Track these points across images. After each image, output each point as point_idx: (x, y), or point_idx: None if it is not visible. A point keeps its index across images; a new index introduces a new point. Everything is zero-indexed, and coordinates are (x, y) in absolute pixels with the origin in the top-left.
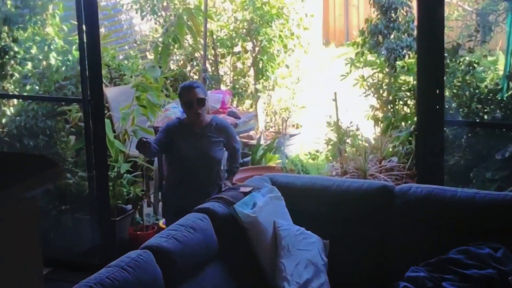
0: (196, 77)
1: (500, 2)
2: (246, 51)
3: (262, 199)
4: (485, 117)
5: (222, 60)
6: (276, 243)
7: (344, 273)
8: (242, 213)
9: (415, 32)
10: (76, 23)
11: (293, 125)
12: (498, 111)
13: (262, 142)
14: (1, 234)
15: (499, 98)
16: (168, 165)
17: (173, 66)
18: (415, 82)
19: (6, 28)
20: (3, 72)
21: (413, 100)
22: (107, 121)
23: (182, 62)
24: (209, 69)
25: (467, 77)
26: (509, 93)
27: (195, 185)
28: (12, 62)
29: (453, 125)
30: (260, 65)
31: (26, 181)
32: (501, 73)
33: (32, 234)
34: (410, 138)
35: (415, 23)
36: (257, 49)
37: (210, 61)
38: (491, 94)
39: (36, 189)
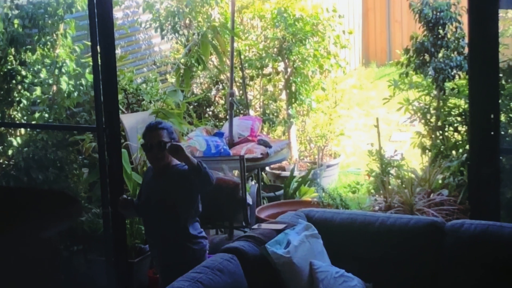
0: (222, 101)
1: None
2: (277, 73)
3: (297, 238)
4: None
5: (251, 83)
6: (313, 287)
7: None
8: (275, 253)
9: (466, 50)
10: (89, 43)
11: (330, 155)
12: None
13: (296, 173)
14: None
15: None
16: None
17: (196, 90)
18: (466, 106)
19: (12, 50)
20: (9, 99)
21: (464, 126)
22: (123, 151)
23: (206, 85)
24: (237, 93)
25: None
26: None
27: (158, 238)
28: (20, 87)
29: (510, 153)
30: (293, 88)
31: (45, 219)
32: None
33: (49, 278)
34: (462, 168)
35: (466, 40)
36: (289, 70)
37: (238, 84)
38: None
39: (56, 228)
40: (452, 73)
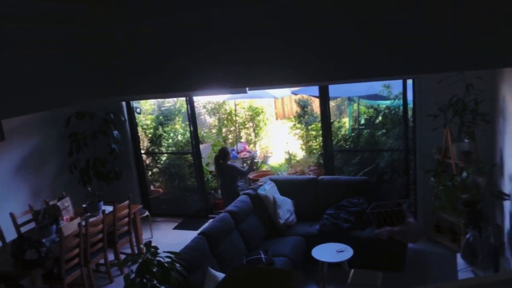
0: None
1: (345, 100)
2: None
3: (268, 187)
4: (347, 147)
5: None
6: (275, 206)
7: (303, 212)
8: (261, 193)
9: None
10: (188, 123)
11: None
12: (351, 145)
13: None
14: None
15: (350, 139)
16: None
17: None
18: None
19: (160, 127)
20: (158, 143)
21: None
22: None
23: None
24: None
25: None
26: (352, 135)
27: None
28: (163, 141)
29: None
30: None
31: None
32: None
33: None
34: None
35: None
36: None
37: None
38: (347, 137)
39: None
40: (314, 123)
